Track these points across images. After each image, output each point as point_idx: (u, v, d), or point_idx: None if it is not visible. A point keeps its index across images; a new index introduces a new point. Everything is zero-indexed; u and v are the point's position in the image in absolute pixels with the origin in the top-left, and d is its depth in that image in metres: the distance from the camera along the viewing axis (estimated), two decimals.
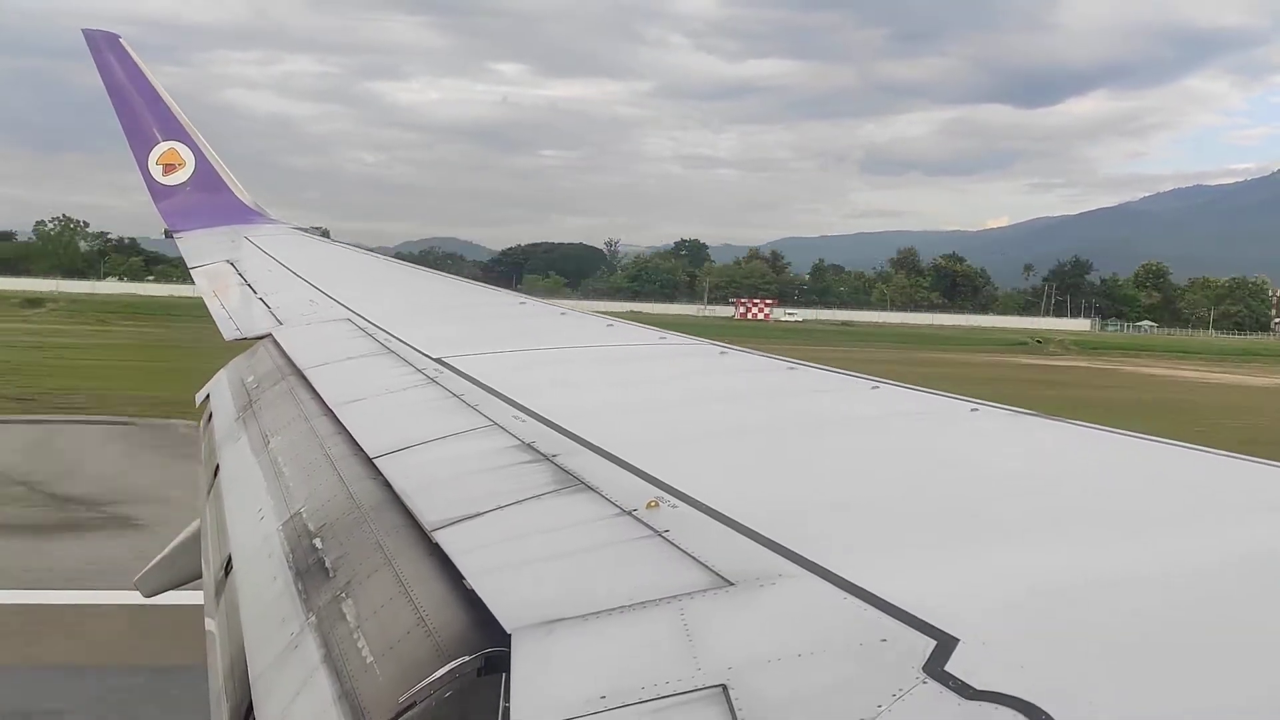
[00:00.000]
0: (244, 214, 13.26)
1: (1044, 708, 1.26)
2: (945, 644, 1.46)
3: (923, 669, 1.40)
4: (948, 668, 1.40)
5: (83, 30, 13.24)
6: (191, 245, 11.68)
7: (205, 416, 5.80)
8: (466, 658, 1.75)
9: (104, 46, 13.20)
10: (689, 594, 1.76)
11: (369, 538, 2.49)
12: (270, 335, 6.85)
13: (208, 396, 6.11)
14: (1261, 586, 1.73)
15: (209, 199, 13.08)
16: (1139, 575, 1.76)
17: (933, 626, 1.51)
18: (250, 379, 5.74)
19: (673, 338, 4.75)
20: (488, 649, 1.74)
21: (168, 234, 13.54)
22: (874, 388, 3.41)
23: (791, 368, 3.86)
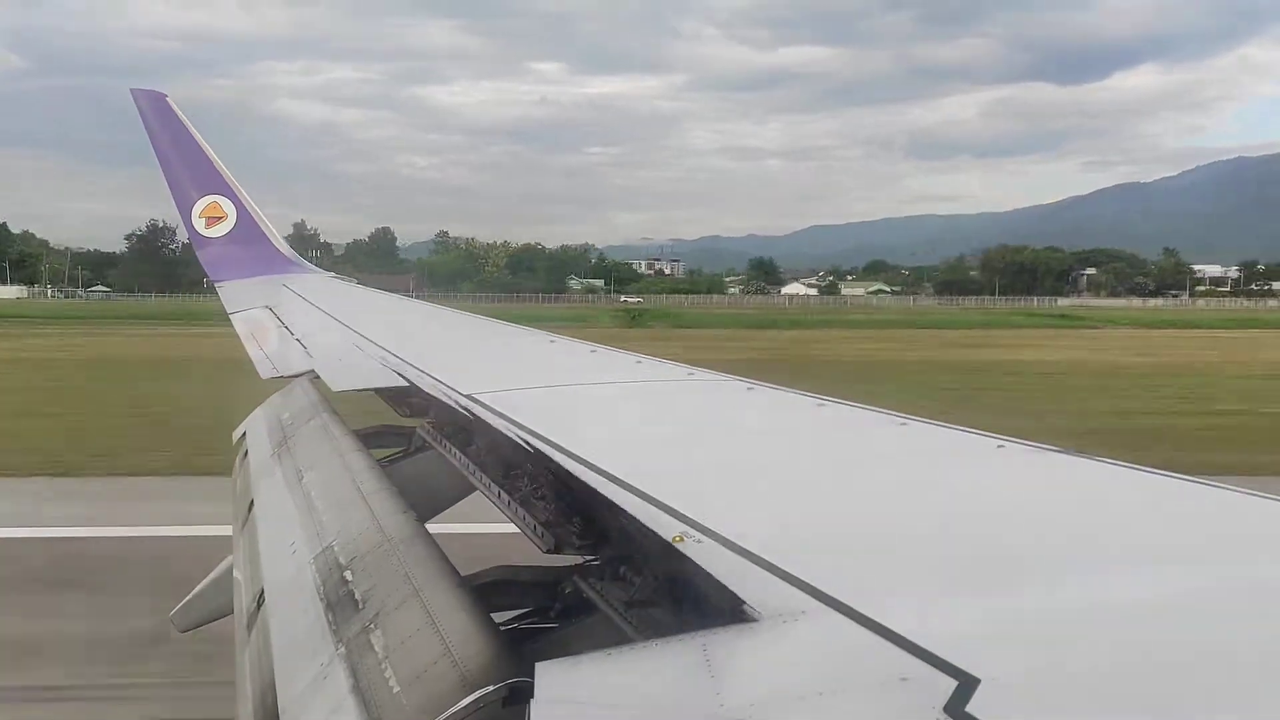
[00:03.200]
0: (283, 264, 13.75)
1: None
2: (967, 684, 1.45)
3: (944, 709, 1.40)
4: (969, 709, 1.39)
5: (131, 90, 13.85)
6: (231, 294, 12.08)
7: (241, 453, 5.91)
8: (490, 688, 1.77)
9: (150, 105, 13.80)
10: (712, 630, 1.77)
11: (398, 569, 2.52)
12: (305, 374, 6.97)
13: (244, 434, 6.22)
14: None
15: (250, 250, 13.59)
16: (1167, 616, 1.75)
17: (955, 666, 1.50)
18: (286, 415, 5.84)
19: (700, 373, 4.78)
20: (512, 680, 1.76)
21: (208, 284, 14.02)
22: (902, 424, 3.41)
23: (819, 404, 3.87)
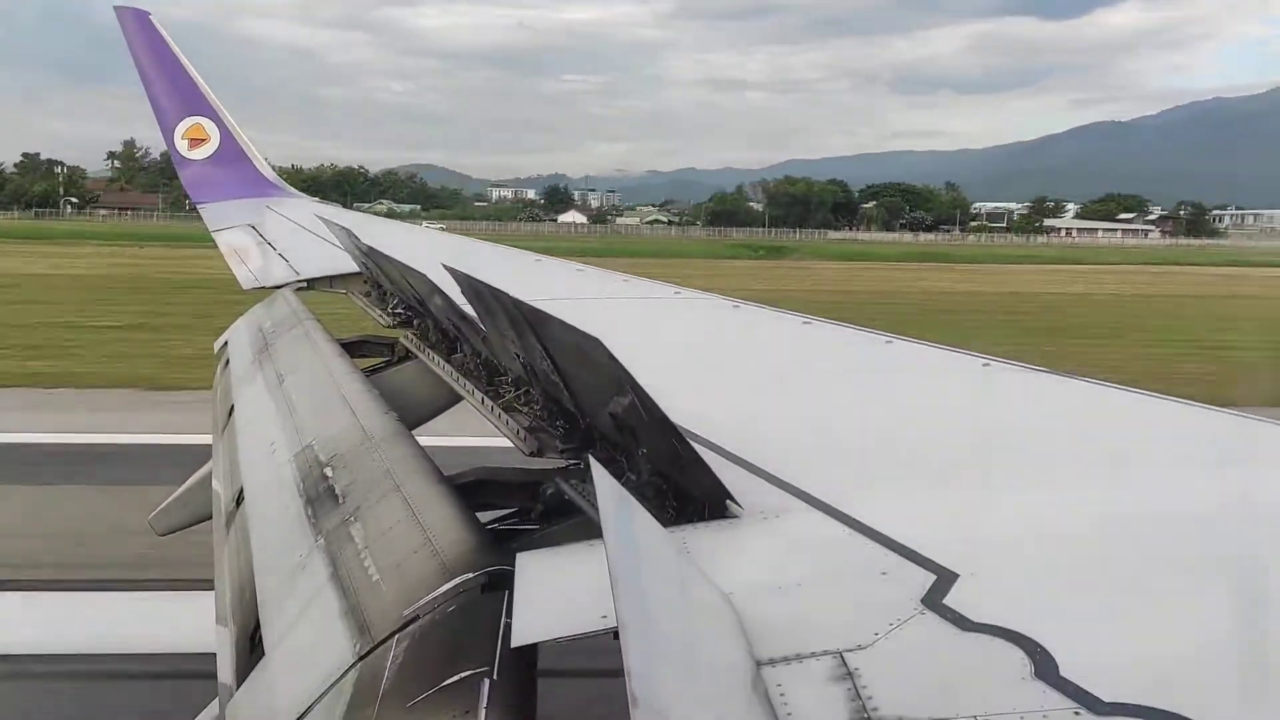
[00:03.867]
0: (266, 187, 13.64)
1: (1039, 640, 1.27)
2: (945, 578, 1.47)
3: (921, 601, 1.41)
4: (946, 601, 1.41)
5: (114, 7, 13.49)
6: (214, 213, 12.03)
7: (222, 362, 5.86)
8: (470, 575, 1.77)
9: (134, 23, 13.48)
10: (695, 524, 1.77)
11: (379, 466, 2.51)
12: (288, 284, 6.90)
13: (225, 343, 6.17)
14: (1243, 529, 1.75)
15: (233, 172, 13.47)
16: (1133, 519, 1.79)
17: (933, 562, 1.52)
18: (267, 324, 5.79)
19: (686, 292, 4.75)
20: (492, 567, 1.76)
21: (190, 205, 13.91)
22: (888, 342, 3.41)
23: (807, 322, 3.86)
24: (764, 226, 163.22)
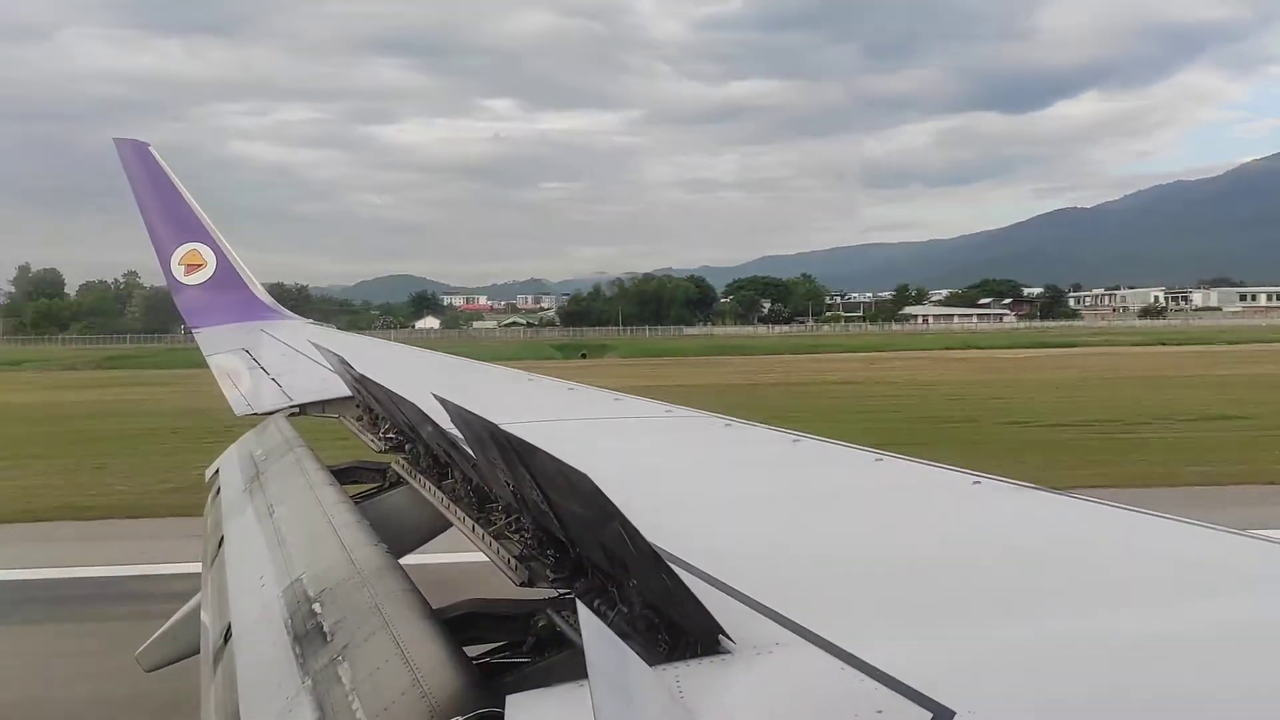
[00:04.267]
0: (261, 311, 13.85)
1: None
2: (941, 716, 1.44)
3: None
4: None
5: (114, 139, 14.10)
6: (209, 338, 12.17)
7: (213, 491, 5.83)
8: (459, 719, 1.73)
9: (133, 154, 14.00)
10: (687, 661, 1.75)
11: (368, 602, 2.48)
12: (279, 410, 6.92)
13: (217, 471, 6.15)
14: (1258, 656, 1.72)
15: (228, 297, 13.78)
16: (1137, 649, 1.75)
17: (930, 699, 1.49)
18: (259, 452, 5.78)
19: (678, 410, 4.78)
20: (482, 710, 1.73)
21: (186, 330, 14.14)
22: (877, 460, 3.42)
23: (795, 440, 3.87)
24: (619, 324, 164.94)
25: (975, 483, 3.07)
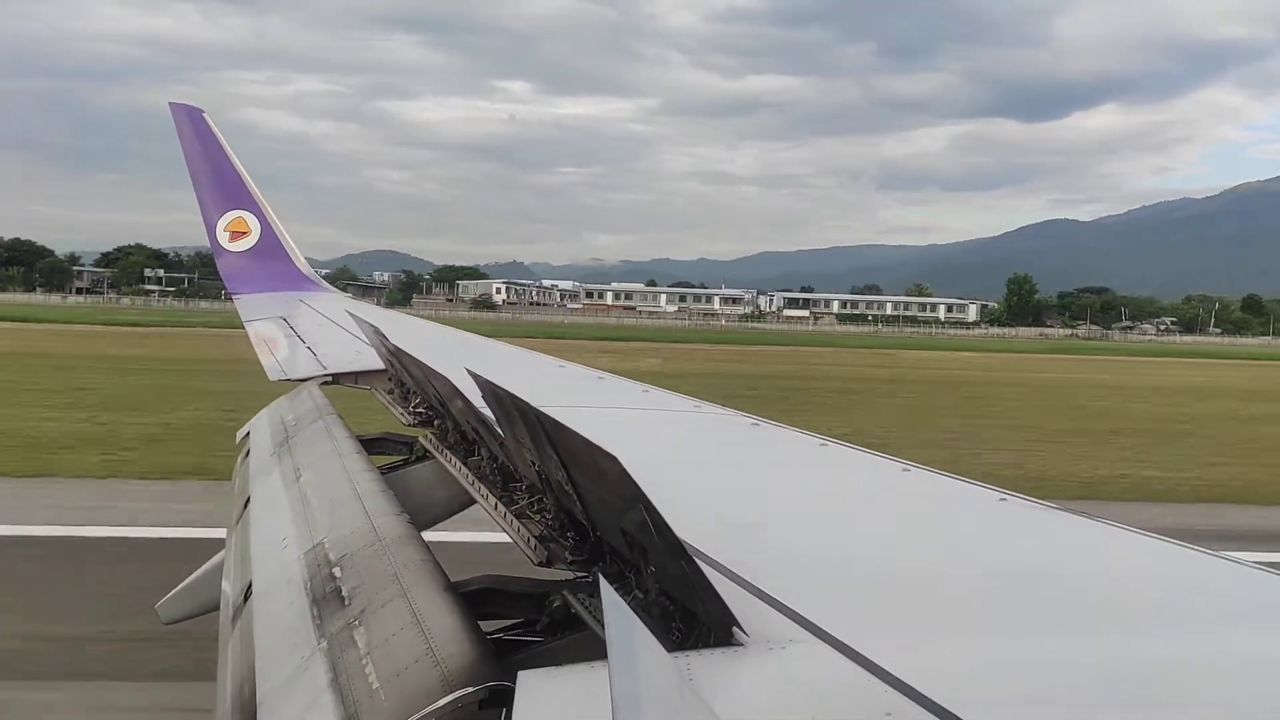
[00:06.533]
0: (302, 282, 14.05)
1: None
2: None
3: None
4: None
5: (170, 104, 14.31)
6: (248, 304, 12.38)
7: (243, 453, 5.92)
8: (470, 689, 1.75)
9: (187, 119, 14.22)
10: (699, 650, 1.75)
11: (387, 569, 2.51)
12: (313, 378, 7.00)
13: (248, 433, 6.24)
14: (1272, 688, 1.70)
15: (270, 266, 13.99)
16: (1153, 673, 1.74)
17: (941, 707, 1.49)
18: (290, 417, 5.85)
19: (706, 406, 4.78)
20: (493, 683, 1.75)
21: (227, 295, 14.38)
22: (904, 469, 3.40)
23: (822, 444, 3.86)
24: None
25: (1001, 499, 3.05)
